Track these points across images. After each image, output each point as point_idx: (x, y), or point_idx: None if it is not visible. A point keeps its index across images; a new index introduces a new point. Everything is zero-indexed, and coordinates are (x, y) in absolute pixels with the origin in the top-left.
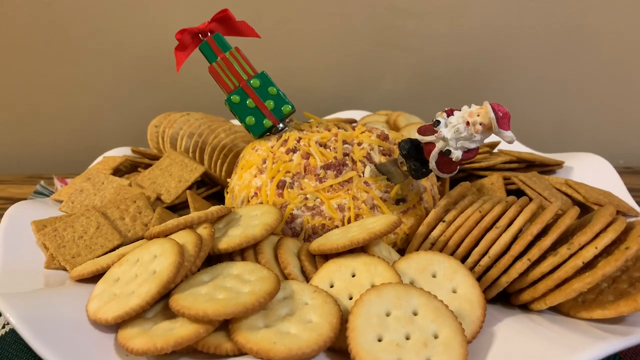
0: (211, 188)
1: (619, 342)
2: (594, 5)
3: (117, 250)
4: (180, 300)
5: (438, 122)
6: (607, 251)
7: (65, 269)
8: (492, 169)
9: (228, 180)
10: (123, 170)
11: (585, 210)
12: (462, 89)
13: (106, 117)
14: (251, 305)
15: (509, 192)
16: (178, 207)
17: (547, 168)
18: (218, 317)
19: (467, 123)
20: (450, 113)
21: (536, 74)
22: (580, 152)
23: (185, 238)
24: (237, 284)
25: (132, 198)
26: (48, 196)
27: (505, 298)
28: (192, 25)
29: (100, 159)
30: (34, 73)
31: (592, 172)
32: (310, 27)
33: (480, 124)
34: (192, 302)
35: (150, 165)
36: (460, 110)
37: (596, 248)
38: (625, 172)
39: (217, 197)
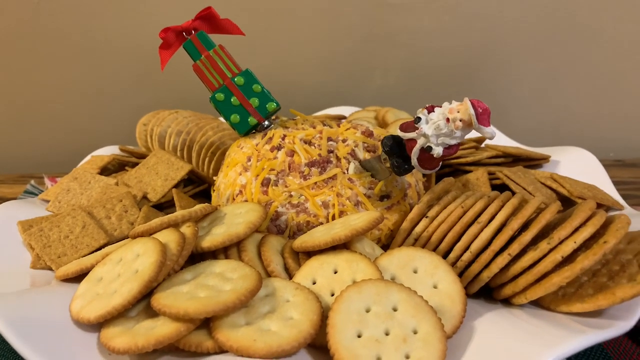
0: (198, 186)
1: (596, 336)
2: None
3: (102, 249)
4: (162, 299)
5: (419, 118)
6: (587, 245)
7: (51, 269)
8: (478, 163)
9: (215, 178)
10: (111, 169)
11: (569, 204)
12: (451, 83)
13: (96, 115)
14: (232, 304)
15: (494, 187)
16: (164, 206)
17: (533, 162)
18: (199, 316)
19: (448, 119)
20: (430, 110)
21: (526, 68)
22: (568, 145)
23: (168, 237)
24: (219, 282)
25: (118, 197)
26: (37, 195)
27: (488, 293)
28: (180, 23)
29: (88, 158)
30: (23, 73)
31: (578, 165)
32: (299, 23)
33: (460, 120)
34: (173, 300)
35: (137, 164)
36: (440, 107)
37: (575, 242)
38: (615, 165)
39: (205, 195)
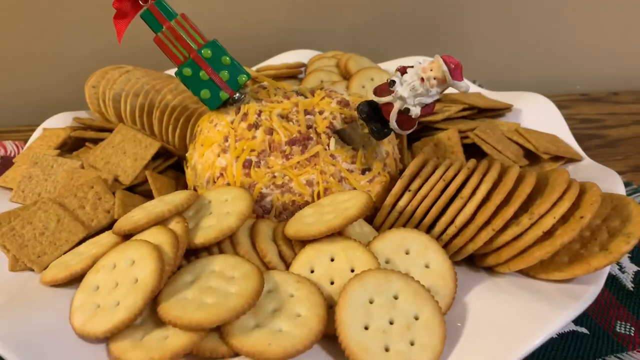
0: (167, 159)
1: (576, 310)
2: None
3: (84, 247)
4: (170, 310)
5: (393, 82)
6: (564, 217)
7: (32, 269)
8: (447, 119)
9: (187, 155)
10: (68, 142)
11: (535, 157)
12: (421, 22)
13: (32, 61)
14: (241, 309)
15: (466, 146)
16: (136, 186)
17: (497, 112)
18: (211, 325)
19: (422, 79)
20: (403, 71)
21: (494, 5)
22: (526, 91)
23: (160, 238)
24: (222, 283)
25: (88, 183)
26: None
27: (470, 258)
28: None
29: (39, 132)
30: None
31: (538, 113)
32: None
33: (434, 79)
34: (181, 311)
35: (97, 139)
36: (412, 67)
37: (554, 217)
38: (581, 99)
39: (175, 168)
